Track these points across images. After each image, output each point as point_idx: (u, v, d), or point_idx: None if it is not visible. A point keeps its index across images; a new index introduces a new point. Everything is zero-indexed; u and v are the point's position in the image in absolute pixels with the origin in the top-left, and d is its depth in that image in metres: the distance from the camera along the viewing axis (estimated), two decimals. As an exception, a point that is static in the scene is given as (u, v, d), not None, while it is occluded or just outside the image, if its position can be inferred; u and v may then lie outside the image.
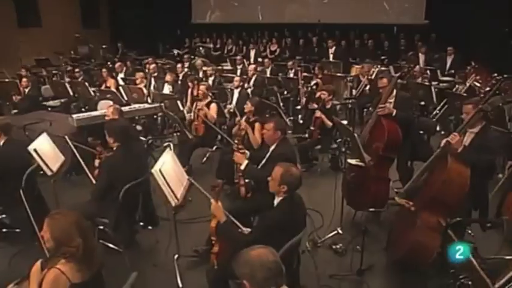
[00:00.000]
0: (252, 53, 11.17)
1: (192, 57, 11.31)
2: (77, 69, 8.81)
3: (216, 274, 2.78)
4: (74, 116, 5.64)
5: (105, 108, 6.56)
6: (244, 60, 10.19)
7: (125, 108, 6.01)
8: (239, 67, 9.40)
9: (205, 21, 14.92)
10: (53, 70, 11.22)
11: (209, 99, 5.87)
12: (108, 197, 3.51)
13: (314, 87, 6.42)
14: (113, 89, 7.58)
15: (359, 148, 3.62)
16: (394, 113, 4.19)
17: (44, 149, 3.94)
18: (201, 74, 8.66)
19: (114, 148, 3.56)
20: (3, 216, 3.99)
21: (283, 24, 13.55)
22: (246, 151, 3.87)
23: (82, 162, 3.91)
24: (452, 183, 3.05)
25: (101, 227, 3.60)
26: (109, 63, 10.94)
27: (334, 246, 3.97)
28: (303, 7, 12.87)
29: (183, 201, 3.17)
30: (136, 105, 6.41)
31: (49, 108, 8.04)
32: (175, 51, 12.39)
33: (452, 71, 8.85)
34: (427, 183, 3.37)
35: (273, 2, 13.46)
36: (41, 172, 3.92)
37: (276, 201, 2.81)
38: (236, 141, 4.10)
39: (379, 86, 4.63)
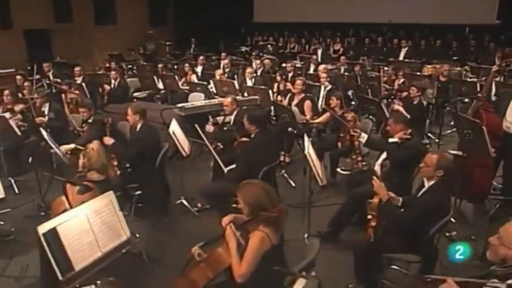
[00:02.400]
0: (319, 52, 11.37)
1: (261, 54, 11.67)
2: (160, 64, 9.24)
3: (370, 247, 3.02)
4: (179, 105, 6.06)
5: (196, 100, 7.04)
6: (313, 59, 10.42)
7: (214, 101, 6.42)
8: (312, 65, 9.62)
9: (266, 21, 15.20)
10: (128, 64, 11.87)
11: (303, 95, 6.12)
12: (248, 177, 3.80)
13: (402, 85, 6.55)
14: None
15: (485, 140, 3.76)
16: None
17: (178, 132, 4.33)
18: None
19: (253, 134, 3.86)
20: (139, 192, 4.38)
21: (346, 23, 13.64)
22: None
23: (211, 148, 4.27)
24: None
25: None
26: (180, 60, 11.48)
27: (447, 234, 4.12)
28: (368, 7, 12.91)
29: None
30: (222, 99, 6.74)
31: (134, 100, 8.60)
32: (243, 49, 12.76)
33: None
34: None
35: (337, 1, 13.56)
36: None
37: (427, 184, 3.02)
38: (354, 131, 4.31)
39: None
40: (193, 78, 8.42)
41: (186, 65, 8.68)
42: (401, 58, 10.34)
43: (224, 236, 2.58)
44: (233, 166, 4.15)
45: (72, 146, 4.59)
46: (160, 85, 8.52)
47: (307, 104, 6.03)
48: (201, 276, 2.59)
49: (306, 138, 3.62)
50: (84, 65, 10.86)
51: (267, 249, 2.41)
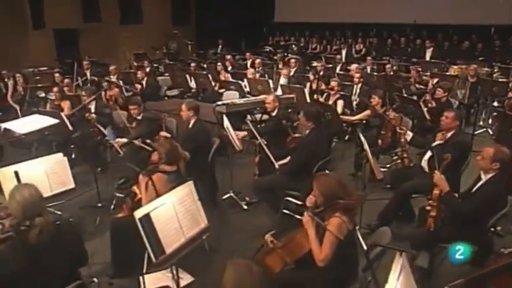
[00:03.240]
0: (343, 52, 11.50)
1: (285, 54, 11.82)
2: (192, 64, 9.43)
3: (429, 236, 3.17)
4: (220, 103, 6.24)
5: (230, 98, 7.22)
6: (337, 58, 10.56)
7: (260, 97, 6.58)
8: (339, 65, 9.75)
9: (287, 21, 15.34)
10: (154, 63, 12.09)
11: (338, 95, 6.27)
12: (302, 172, 3.97)
13: (436, 85, 6.66)
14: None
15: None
16: None
17: (230, 128, 4.51)
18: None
19: (308, 130, 4.02)
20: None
21: (368, 24, 13.71)
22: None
23: (263, 143, 4.44)
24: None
25: (289, 198, 4.11)
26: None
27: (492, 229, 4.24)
28: (391, 8, 12.97)
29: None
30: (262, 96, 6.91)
31: (165, 98, 8.80)
32: (268, 49, 12.93)
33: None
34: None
35: (359, 2, 13.63)
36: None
37: (485, 178, 3.15)
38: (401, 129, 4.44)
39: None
40: (227, 76, 8.60)
41: (219, 64, 8.86)
42: (427, 58, 10.40)
43: (301, 223, 2.75)
44: (284, 161, 4.31)
45: (125, 140, 4.81)
46: (192, 83, 8.73)
47: (340, 103, 6.19)
48: (278, 262, 2.76)
49: (360, 135, 3.77)
50: (111, 63, 11.21)
51: (344, 234, 2.57)
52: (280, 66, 10.00)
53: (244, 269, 1.82)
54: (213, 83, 8.20)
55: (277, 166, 4.25)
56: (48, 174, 3.59)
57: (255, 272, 1.81)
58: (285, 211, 4.19)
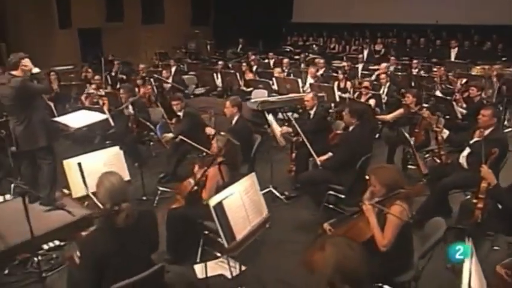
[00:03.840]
0: (365, 52, 11.60)
1: (307, 54, 11.96)
2: (219, 62, 9.60)
3: (476, 228, 3.29)
4: (252, 100, 6.39)
5: (259, 97, 7.37)
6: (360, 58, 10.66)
7: (291, 96, 6.73)
8: (360, 65, 9.86)
9: (305, 21, 15.45)
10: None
11: (370, 94, 6.40)
12: (345, 167, 4.10)
13: (464, 85, 6.76)
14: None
15: None
16: None
17: (275, 124, 4.66)
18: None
19: (352, 127, 4.15)
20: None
21: (387, 24, 13.77)
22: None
23: (305, 139, 4.58)
24: None
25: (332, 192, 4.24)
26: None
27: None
28: (411, 8, 13.03)
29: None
30: (294, 95, 7.05)
31: (191, 96, 8.98)
32: (288, 48, 13.07)
33: None
34: None
35: (378, 2, 13.71)
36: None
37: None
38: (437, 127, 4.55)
39: None
40: (251, 76, 8.75)
41: (244, 63, 9.02)
42: (452, 59, 10.47)
43: (361, 212, 2.88)
44: (325, 157, 4.45)
45: (171, 135, 4.98)
46: (218, 82, 8.90)
47: (372, 102, 6.33)
48: None
49: (404, 131, 3.89)
50: (134, 62, 11.43)
51: (405, 221, 2.70)
52: (302, 65, 10.17)
53: (344, 245, 1.92)
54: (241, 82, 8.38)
55: (318, 162, 4.40)
56: (107, 166, 3.76)
57: (355, 246, 1.92)
58: (326, 204, 4.34)
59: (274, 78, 7.78)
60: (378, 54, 12.84)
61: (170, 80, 8.06)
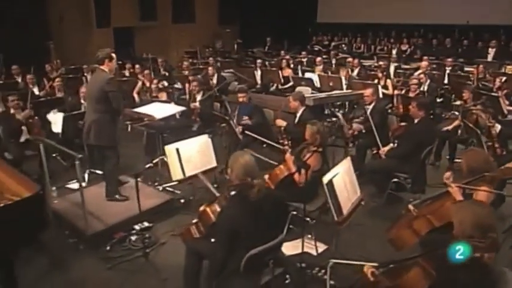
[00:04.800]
0: (393, 52, 11.90)
1: (336, 53, 12.26)
2: (258, 60, 9.94)
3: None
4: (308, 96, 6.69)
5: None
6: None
7: (336, 92, 7.05)
8: (394, 64, 10.13)
9: (330, 21, 15.76)
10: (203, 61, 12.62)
11: (418, 91, 6.70)
12: (410, 157, 4.42)
13: (504, 83, 7.05)
14: (291, 77, 8.78)
15: None
16: None
17: (342, 119, 4.99)
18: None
19: (418, 119, 4.46)
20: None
21: (413, 24, 14.03)
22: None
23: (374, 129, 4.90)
24: None
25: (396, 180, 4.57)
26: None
27: None
28: (438, 8, 13.28)
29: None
30: (339, 91, 7.37)
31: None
32: (317, 47, 13.39)
33: None
34: None
35: (404, 2, 13.96)
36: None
37: None
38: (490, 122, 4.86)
39: None
40: (289, 73, 9.08)
41: (284, 61, 9.36)
42: (489, 59, 10.75)
43: (448, 193, 3.19)
44: (387, 148, 4.77)
45: (240, 128, 5.32)
46: (258, 79, 9.25)
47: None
48: (425, 225, 3.21)
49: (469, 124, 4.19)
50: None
51: (490, 202, 3.01)
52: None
53: (473, 204, 2.21)
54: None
55: (382, 152, 4.72)
56: (199, 152, 4.10)
57: (483, 204, 2.20)
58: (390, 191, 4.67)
59: (317, 76, 8.09)
60: (404, 54, 13.14)
61: (216, 77, 8.39)
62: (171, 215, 4.57)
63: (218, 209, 2.93)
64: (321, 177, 3.02)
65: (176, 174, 3.94)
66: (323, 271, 3.48)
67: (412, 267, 2.32)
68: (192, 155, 4.01)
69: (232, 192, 2.80)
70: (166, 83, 7.54)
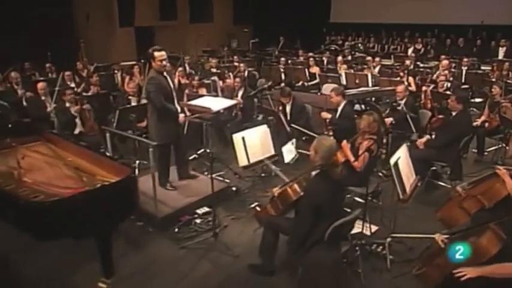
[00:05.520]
0: (410, 51, 12.29)
1: (353, 52, 12.64)
2: (282, 59, 10.29)
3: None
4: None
5: (329, 90, 8.05)
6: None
7: (365, 89, 7.41)
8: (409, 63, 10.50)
9: (343, 21, 16.12)
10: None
11: (445, 87, 7.08)
12: (449, 147, 4.78)
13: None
14: (317, 75, 9.14)
15: None
16: None
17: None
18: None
19: (456, 112, 4.83)
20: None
21: (426, 24, 14.37)
22: None
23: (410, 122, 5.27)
24: None
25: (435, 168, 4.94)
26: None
27: None
28: (453, 8, 13.63)
29: None
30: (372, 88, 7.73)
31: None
32: (333, 47, 13.76)
33: None
34: None
35: (417, 3, 14.31)
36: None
37: None
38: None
39: None
40: (317, 70, 9.46)
41: (311, 59, 9.73)
42: (500, 57, 11.12)
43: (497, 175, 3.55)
44: (423, 139, 5.14)
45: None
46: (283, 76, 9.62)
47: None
48: (475, 205, 3.56)
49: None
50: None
51: None
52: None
53: None
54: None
55: (420, 143, 5.09)
56: (261, 141, 4.46)
57: None
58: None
59: (343, 73, 8.46)
60: (418, 53, 13.50)
61: (246, 74, 8.76)
62: (226, 201, 4.93)
63: (298, 189, 3.29)
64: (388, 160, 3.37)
65: (242, 160, 4.28)
66: (381, 247, 3.84)
67: (485, 231, 2.62)
68: (254, 143, 4.36)
69: (314, 172, 3.14)
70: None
